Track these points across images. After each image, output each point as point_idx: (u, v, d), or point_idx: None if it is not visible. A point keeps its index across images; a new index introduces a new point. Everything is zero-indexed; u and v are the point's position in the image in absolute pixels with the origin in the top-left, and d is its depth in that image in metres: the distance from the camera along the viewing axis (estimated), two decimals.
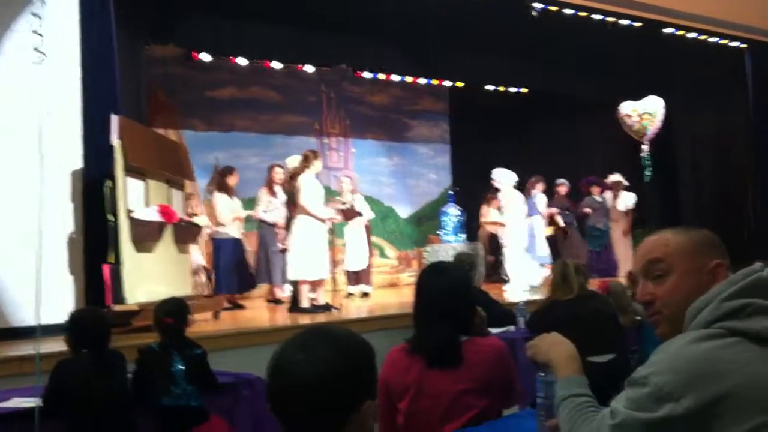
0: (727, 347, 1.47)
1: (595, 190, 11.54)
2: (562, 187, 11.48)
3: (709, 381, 1.43)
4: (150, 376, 3.78)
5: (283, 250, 8.23)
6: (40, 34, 4.34)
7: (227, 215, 8.47)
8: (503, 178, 9.94)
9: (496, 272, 11.57)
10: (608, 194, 11.60)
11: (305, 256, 7.21)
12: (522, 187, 10.70)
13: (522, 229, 9.86)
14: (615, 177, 11.55)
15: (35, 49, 4.24)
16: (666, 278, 1.70)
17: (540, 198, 10.90)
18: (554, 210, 11.12)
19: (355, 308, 7.97)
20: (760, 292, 1.54)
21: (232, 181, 8.75)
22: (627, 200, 11.49)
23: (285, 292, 8.70)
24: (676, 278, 1.69)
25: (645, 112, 11.41)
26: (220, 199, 8.56)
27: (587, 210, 11.42)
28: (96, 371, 3.54)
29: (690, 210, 12.67)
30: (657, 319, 1.72)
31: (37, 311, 3.57)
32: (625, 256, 11.02)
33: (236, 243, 8.61)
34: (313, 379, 1.37)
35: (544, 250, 10.64)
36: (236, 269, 8.50)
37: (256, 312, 8.24)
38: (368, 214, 9.98)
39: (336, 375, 1.39)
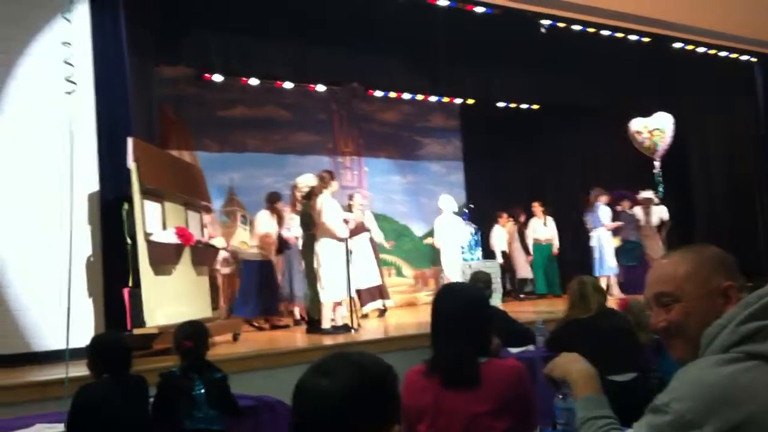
0: (746, 372, 1.47)
1: (625, 204, 11.41)
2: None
3: (729, 408, 1.43)
4: (171, 400, 3.79)
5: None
6: (71, 64, 4.37)
7: (270, 236, 8.66)
8: (444, 204, 10.31)
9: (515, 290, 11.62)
10: (637, 209, 11.48)
11: (330, 277, 7.23)
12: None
13: (456, 253, 10.06)
14: (646, 194, 11.45)
15: (67, 79, 4.28)
16: (678, 304, 1.70)
17: (603, 210, 10.94)
18: (619, 223, 11.10)
19: (372, 329, 7.95)
20: None
21: (280, 205, 8.98)
22: (661, 213, 11.39)
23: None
24: (688, 304, 1.68)
25: (655, 128, 11.44)
26: (264, 218, 8.74)
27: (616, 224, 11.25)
28: (117, 395, 3.54)
29: (704, 225, 12.64)
30: (673, 344, 1.72)
31: (67, 335, 3.59)
32: None
33: (264, 265, 8.71)
34: (337, 405, 1.37)
35: (612, 261, 10.69)
36: (262, 291, 8.59)
37: (276, 333, 8.24)
38: (376, 233, 9.98)
39: (360, 401, 1.39)
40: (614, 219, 11.15)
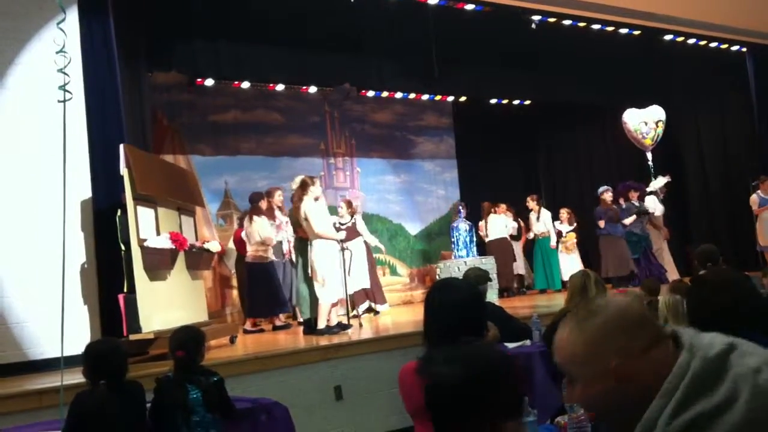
0: None
1: (633, 195, 11.31)
2: (607, 193, 11.27)
3: None
4: (168, 406, 3.77)
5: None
6: (66, 74, 4.35)
7: (271, 237, 8.65)
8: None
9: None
10: (650, 199, 11.38)
11: (325, 278, 7.22)
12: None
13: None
14: (660, 181, 11.45)
15: (61, 88, 4.26)
16: (576, 384, 1.50)
17: None
18: None
19: (368, 327, 7.94)
20: (702, 388, 1.35)
21: (264, 204, 8.88)
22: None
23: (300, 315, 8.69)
24: (582, 387, 1.48)
25: (659, 120, 11.49)
26: (261, 222, 8.64)
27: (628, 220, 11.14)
28: (114, 402, 3.53)
29: (699, 217, 12.66)
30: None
31: (62, 343, 3.57)
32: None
33: (271, 266, 8.71)
34: (455, 386, 1.56)
35: None
36: (269, 292, 8.58)
37: (271, 336, 8.23)
38: (368, 237, 9.94)
39: (474, 389, 1.56)
40: (623, 210, 11.14)
